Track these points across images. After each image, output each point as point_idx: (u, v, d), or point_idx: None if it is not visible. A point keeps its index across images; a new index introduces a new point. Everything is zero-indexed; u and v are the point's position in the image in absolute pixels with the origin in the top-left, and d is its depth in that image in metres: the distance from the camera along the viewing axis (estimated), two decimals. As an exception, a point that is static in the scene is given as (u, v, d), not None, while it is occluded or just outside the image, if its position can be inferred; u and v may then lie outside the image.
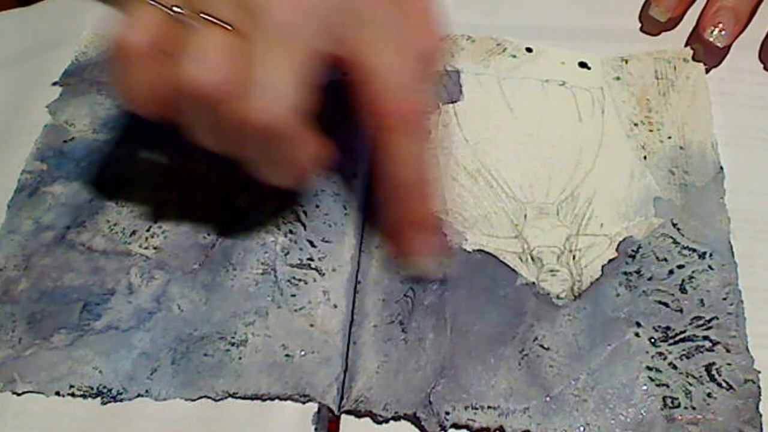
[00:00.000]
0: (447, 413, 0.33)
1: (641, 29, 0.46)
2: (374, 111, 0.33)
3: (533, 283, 0.36)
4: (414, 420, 0.33)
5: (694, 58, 0.44)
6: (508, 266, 0.37)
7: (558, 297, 0.36)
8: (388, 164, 0.34)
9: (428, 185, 0.35)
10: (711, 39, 0.42)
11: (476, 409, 0.33)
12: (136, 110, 0.32)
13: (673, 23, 0.45)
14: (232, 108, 0.30)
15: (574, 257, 0.37)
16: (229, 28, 0.30)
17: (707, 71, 0.44)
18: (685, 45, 0.45)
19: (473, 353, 0.34)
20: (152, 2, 0.30)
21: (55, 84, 0.43)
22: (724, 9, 0.42)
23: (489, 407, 0.33)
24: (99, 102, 0.42)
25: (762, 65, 0.44)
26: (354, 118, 0.34)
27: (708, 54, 0.44)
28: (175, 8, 0.30)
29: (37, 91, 0.43)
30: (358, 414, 0.33)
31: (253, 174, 0.33)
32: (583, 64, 0.44)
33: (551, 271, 0.36)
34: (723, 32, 0.42)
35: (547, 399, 0.33)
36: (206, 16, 0.30)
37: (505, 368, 0.34)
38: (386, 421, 0.33)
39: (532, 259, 0.37)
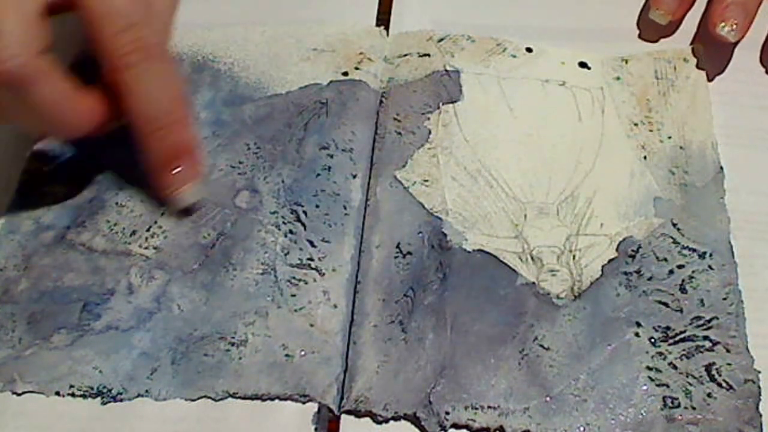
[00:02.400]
0: (447, 413, 0.33)
1: (640, 36, 0.46)
2: (101, 50, 0.33)
3: (533, 283, 0.36)
4: (414, 420, 0.33)
5: (696, 64, 0.44)
6: (508, 266, 0.37)
7: (558, 297, 0.36)
8: (128, 102, 0.34)
9: (173, 117, 0.35)
10: (723, 34, 0.42)
11: (476, 409, 0.33)
12: None
13: (672, 27, 0.45)
14: None
15: (574, 257, 0.37)
16: None
17: (707, 71, 0.44)
18: (690, 44, 0.45)
19: (473, 353, 0.34)
20: None
21: (54, 84, 0.43)
22: (734, 4, 0.42)
23: (489, 407, 0.33)
24: (99, 102, 0.42)
25: (763, 68, 0.44)
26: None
27: (708, 55, 0.44)
28: None
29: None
30: (358, 414, 0.33)
31: (20, 127, 0.33)
32: (583, 64, 0.44)
33: (551, 271, 0.36)
34: (734, 27, 0.42)
35: (547, 399, 0.33)
36: None
37: (505, 368, 0.34)
38: (386, 421, 0.33)
39: (532, 259, 0.37)
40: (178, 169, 0.36)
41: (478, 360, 0.34)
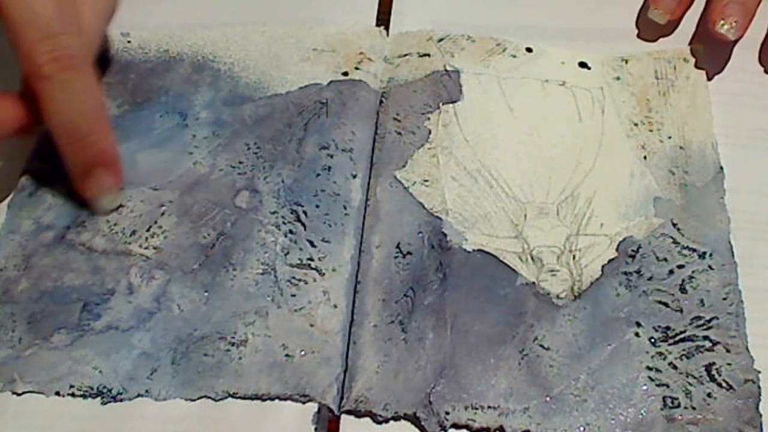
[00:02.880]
0: (447, 413, 0.33)
1: (639, 36, 0.46)
2: (20, 58, 0.33)
3: (533, 283, 0.36)
4: (414, 420, 0.33)
5: (696, 64, 0.44)
6: (508, 266, 0.37)
7: (558, 297, 0.36)
8: (45, 111, 0.34)
9: (89, 128, 0.35)
10: (722, 32, 0.42)
11: (476, 409, 0.33)
12: None
13: (671, 27, 0.45)
14: None
15: (574, 257, 0.37)
16: None
17: (707, 71, 0.44)
18: (689, 44, 0.45)
19: (473, 353, 0.34)
20: None
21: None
22: (734, 2, 0.42)
23: (489, 407, 0.33)
24: (99, 102, 0.42)
25: (763, 68, 0.44)
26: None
27: (708, 55, 0.44)
28: None
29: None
30: (358, 414, 0.33)
31: None
32: (583, 64, 0.44)
33: (551, 271, 0.36)
34: (734, 25, 0.42)
35: (547, 399, 0.33)
36: None
37: (505, 368, 0.34)
38: (386, 421, 0.33)
39: (532, 259, 0.37)
40: (96, 178, 0.36)
41: (478, 360, 0.34)
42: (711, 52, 0.44)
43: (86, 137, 0.35)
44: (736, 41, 0.43)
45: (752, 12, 0.43)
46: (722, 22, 0.42)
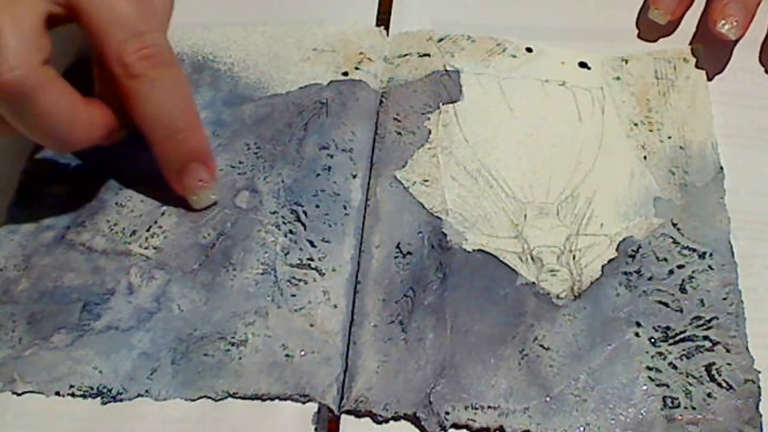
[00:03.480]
0: (447, 413, 0.33)
1: (639, 36, 0.46)
2: (107, 60, 0.33)
3: (533, 283, 0.36)
4: (414, 420, 0.33)
5: (696, 64, 0.44)
6: (508, 266, 0.37)
7: (558, 297, 0.36)
8: (138, 111, 0.34)
9: (184, 123, 0.35)
10: (723, 31, 0.42)
11: (476, 409, 0.33)
12: None
13: (671, 27, 0.45)
14: None
15: (574, 257, 0.37)
16: None
17: (707, 71, 0.44)
18: (689, 44, 0.45)
19: (473, 353, 0.34)
20: None
21: (54, 84, 0.43)
22: (734, 2, 0.42)
23: (489, 407, 0.33)
24: (99, 102, 0.42)
25: (763, 68, 0.44)
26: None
27: (708, 55, 0.44)
28: None
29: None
30: (358, 414, 0.33)
31: (28, 137, 0.33)
32: (583, 64, 0.44)
33: (551, 271, 0.36)
34: (735, 24, 0.42)
35: (547, 399, 0.33)
36: None
37: (505, 368, 0.34)
38: (386, 421, 0.33)
39: (532, 259, 0.37)
40: (192, 173, 0.36)
41: (478, 360, 0.34)
42: (711, 52, 0.44)
43: (180, 133, 0.35)
44: (736, 41, 0.43)
45: (753, 11, 0.42)
46: (723, 21, 0.42)
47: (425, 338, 0.35)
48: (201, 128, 0.36)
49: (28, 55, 0.30)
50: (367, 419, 0.33)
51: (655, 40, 0.45)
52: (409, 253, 0.37)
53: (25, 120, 0.32)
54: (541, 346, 0.34)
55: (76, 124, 0.33)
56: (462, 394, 0.33)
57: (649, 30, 0.45)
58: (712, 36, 0.42)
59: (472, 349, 0.34)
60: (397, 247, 0.37)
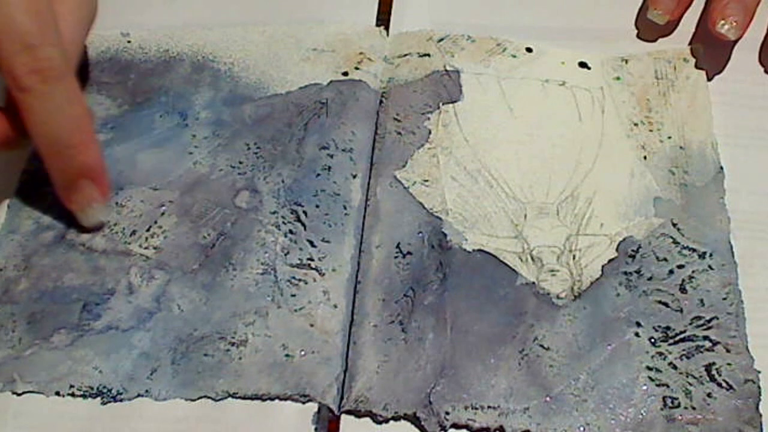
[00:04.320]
0: (447, 413, 0.33)
1: (638, 36, 0.46)
2: (2, 71, 0.32)
3: (533, 283, 0.36)
4: (414, 420, 0.33)
5: (696, 64, 0.44)
6: (508, 266, 0.37)
7: (558, 297, 0.36)
8: (28, 124, 0.33)
9: (73, 140, 0.34)
10: (723, 32, 0.42)
11: (476, 409, 0.33)
12: None
13: (671, 27, 0.45)
14: None
15: (574, 257, 0.37)
16: None
17: (707, 71, 0.44)
18: (689, 44, 0.45)
19: (473, 353, 0.34)
20: None
21: (54, 84, 0.43)
22: (734, 2, 0.42)
23: (489, 407, 0.33)
24: (99, 102, 0.42)
25: (763, 68, 0.44)
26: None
27: (708, 55, 0.44)
28: None
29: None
30: (358, 414, 0.33)
31: None
32: (583, 64, 0.44)
33: (551, 271, 0.36)
34: (734, 25, 0.42)
35: (547, 399, 0.33)
36: None
37: (505, 368, 0.34)
38: (386, 421, 0.33)
39: (532, 259, 0.37)
40: (80, 190, 0.36)
41: (478, 360, 0.34)
42: (711, 52, 0.44)
43: (69, 149, 0.34)
44: (736, 41, 0.43)
45: (752, 12, 0.42)
46: (723, 21, 0.42)
47: (425, 338, 0.35)
48: (93, 145, 0.35)
49: None
50: (367, 419, 0.33)
51: (654, 40, 0.45)
52: (409, 253, 0.37)
53: None
54: (541, 346, 0.34)
55: None
56: (462, 394, 0.33)
57: (648, 30, 0.45)
58: (712, 36, 0.42)
59: (472, 349, 0.34)
60: (397, 247, 0.37)
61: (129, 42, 0.44)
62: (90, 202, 0.36)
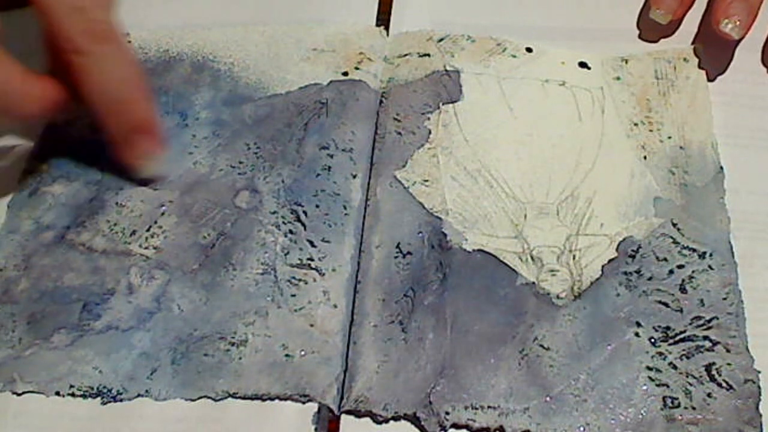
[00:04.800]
0: (447, 413, 0.33)
1: (640, 36, 0.46)
2: (51, 35, 0.33)
3: (533, 283, 0.36)
4: (414, 420, 0.33)
5: (696, 64, 0.44)
6: (508, 266, 0.37)
7: (558, 297, 0.36)
8: (83, 85, 0.34)
9: (127, 96, 0.35)
10: (726, 31, 0.42)
11: (476, 409, 0.33)
12: None
13: (673, 27, 0.45)
14: None
15: (574, 257, 0.37)
16: None
17: (707, 71, 0.44)
18: (691, 44, 0.45)
19: (473, 353, 0.34)
20: None
21: (54, 84, 0.43)
22: (737, 1, 0.42)
23: (489, 407, 0.33)
24: (99, 102, 0.42)
25: (764, 68, 0.44)
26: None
27: (708, 55, 0.44)
28: None
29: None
30: (358, 414, 0.33)
31: None
32: (583, 64, 0.44)
33: (551, 271, 0.36)
34: (738, 24, 0.41)
35: (547, 399, 0.33)
36: None
37: (505, 368, 0.34)
38: (386, 421, 0.33)
39: (532, 259, 0.37)
40: (137, 145, 0.37)
41: (478, 360, 0.34)
42: (712, 52, 0.44)
43: (123, 106, 0.35)
44: (738, 41, 0.43)
45: (756, 11, 0.42)
46: (726, 20, 0.41)
47: (425, 338, 0.35)
48: (146, 101, 0.36)
49: None
50: (367, 419, 0.33)
51: (656, 41, 0.45)
52: (409, 253, 0.37)
53: None
54: (541, 346, 0.34)
55: (27, 97, 0.34)
56: (462, 394, 0.33)
57: (649, 30, 0.45)
58: (713, 36, 0.42)
59: (472, 349, 0.34)
60: (397, 247, 0.37)
61: (129, 42, 0.44)
62: (146, 155, 0.37)
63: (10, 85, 0.33)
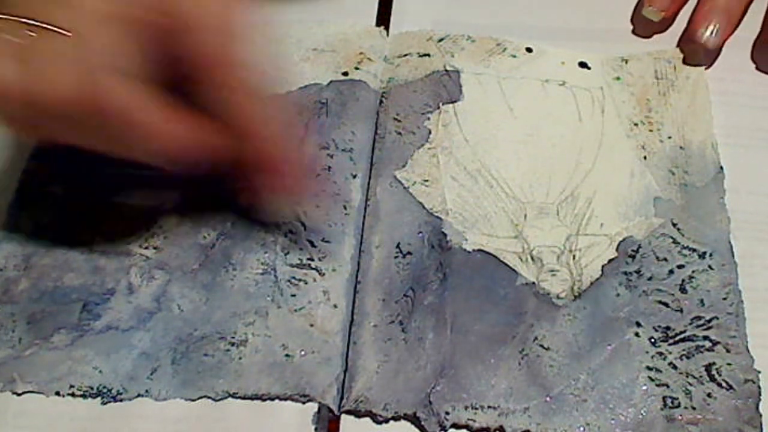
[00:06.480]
0: (447, 413, 0.33)
1: (633, 32, 0.46)
2: (197, 65, 0.32)
3: (533, 283, 0.36)
4: (414, 420, 0.33)
5: (688, 61, 0.44)
6: (508, 266, 0.37)
7: (558, 297, 0.36)
8: (234, 121, 0.33)
9: (268, 131, 0.34)
10: (702, 41, 0.42)
11: (476, 409, 0.33)
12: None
13: (665, 24, 0.45)
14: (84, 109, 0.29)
15: (574, 257, 0.37)
16: (54, 28, 0.29)
17: (707, 68, 0.44)
18: (677, 46, 0.45)
19: (473, 353, 0.34)
20: None
21: (55, 84, 0.43)
22: (716, 9, 0.42)
23: (489, 407, 0.33)
24: (99, 102, 0.42)
25: (755, 64, 0.44)
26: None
27: (708, 55, 0.44)
28: None
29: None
30: (358, 414, 0.33)
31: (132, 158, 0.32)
32: (583, 64, 0.44)
33: (551, 271, 0.36)
34: (714, 33, 0.42)
35: (547, 399, 0.33)
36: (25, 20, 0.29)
37: (505, 368, 0.34)
38: (386, 421, 0.33)
39: (532, 259, 0.37)
40: (282, 179, 0.35)
41: (478, 360, 0.34)
42: (711, 52, 0.44)
43: (267, 138, 0.34)
44: (742, 40, 0.43)
45: (735, 19, 0.43)
46: (703, 29, 0.42)
47: (425, 338, 0.35)
48: (293, 138, 0.35)
49: (132, 82, 0.30)
50: (367, 419, 0.33)
51: (649, 37, 0.45)
52: (409, 253, 0.37)
53: (115, 134, 0.31)
54: (541, 346, 0.34)
55: (172, 142, 0.32)
56: (462, 394, 0.33)
57: (643, 27, 0.45)
58: (694, 42, 0.43)
59: (472, 349, 0.34)
60: (397, 247, 0.37)
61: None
62: (289, 190, 0.36)
63: (156, 129, 0.31)
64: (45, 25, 0.29)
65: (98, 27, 0.30)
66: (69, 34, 0.29)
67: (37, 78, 0.29)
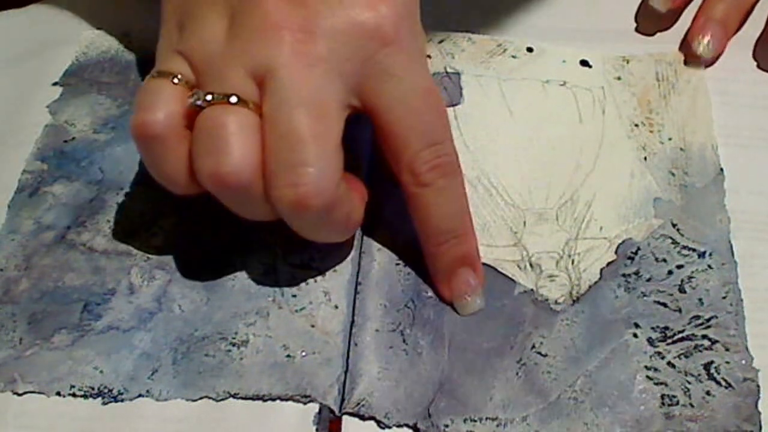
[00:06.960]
0: (446, 426, 0.32)
1: (637, 29, 0.46)
2: (399, 165, 0.33)
3: (531, 290, 0.36)
4: (414, 430, 0.33)
5: (689, 64, 0.44)
6: (506, 276, 0.36)
7: (556, 302, 0.36)
8: (420, 216, 0.34)
9: (460, 229, 0.35)
10: (698, 52, 0.42)
11: (475, 421, 0.33)
12: (175, 191, 0.33)
13: (671, 18, 0.45)
14: (280, 192, 0.30)
15: (573, 261, 0.37)
16: (250, 106, 0.31)
17: (707, 67, 0.44)
18: (678, 48, 0.45)
19: (471, 369, 0.34)
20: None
21: (55, 84, 0.43)
22: (712, 21, 0.42)
23: (488, 418, 0.33)
24: (99, 102, 0.42)
25: (756, 62, 0.44)
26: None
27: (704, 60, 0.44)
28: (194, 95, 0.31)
29: (37, 91, 0.43)
30: (362, 417, 0.33)
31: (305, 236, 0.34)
32: (584, 62, 0.44)
33: (550, 276, 0.36)
34: (710, 45, 0.42)
35: (546, 405, 0.33)
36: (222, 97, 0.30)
37: (503, 379, 0.34)
38: (388, 426, 0.33)
39: (531, 265, 0.37)
40: (461, 278, 0.35)
41: (476, 375, 0.34)
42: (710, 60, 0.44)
43: (455, 238, 0.35)
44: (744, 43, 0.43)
45: (732, 31, 0.43)
46: (698, 41, 0.42)
47: (423, 354, 0.34)
48: (473, 233, 0.36)
49: (332, 177, 0.31)
50: (369, 420, 0.33)
51: (653, 34, 0.45)
52: (409, 260, 0.37)
53: (316, 226, 0.33)
54: (539, 353, 0.34)
55: (356, 224, 0.35)
56: (460, 407, 0.33)
57: (647, 23, 0.45)
58: (690, 52, 0.43)
59: (470, 365, 0.34)
60: (398, 250, 0.37)
61: (129, 42, 0.44)
62: (468, 289, 0.36)
63: (350, 220, 0.34)
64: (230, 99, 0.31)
65: (303, 114, 0.31)
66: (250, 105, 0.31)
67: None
